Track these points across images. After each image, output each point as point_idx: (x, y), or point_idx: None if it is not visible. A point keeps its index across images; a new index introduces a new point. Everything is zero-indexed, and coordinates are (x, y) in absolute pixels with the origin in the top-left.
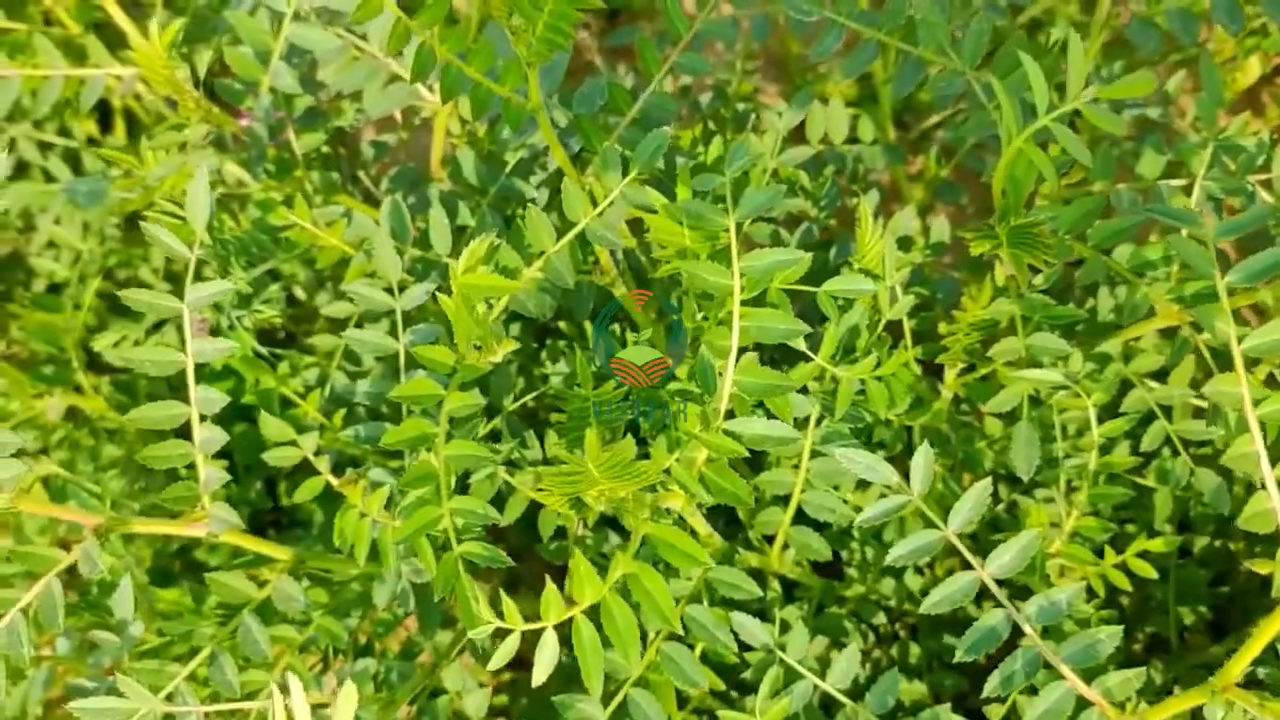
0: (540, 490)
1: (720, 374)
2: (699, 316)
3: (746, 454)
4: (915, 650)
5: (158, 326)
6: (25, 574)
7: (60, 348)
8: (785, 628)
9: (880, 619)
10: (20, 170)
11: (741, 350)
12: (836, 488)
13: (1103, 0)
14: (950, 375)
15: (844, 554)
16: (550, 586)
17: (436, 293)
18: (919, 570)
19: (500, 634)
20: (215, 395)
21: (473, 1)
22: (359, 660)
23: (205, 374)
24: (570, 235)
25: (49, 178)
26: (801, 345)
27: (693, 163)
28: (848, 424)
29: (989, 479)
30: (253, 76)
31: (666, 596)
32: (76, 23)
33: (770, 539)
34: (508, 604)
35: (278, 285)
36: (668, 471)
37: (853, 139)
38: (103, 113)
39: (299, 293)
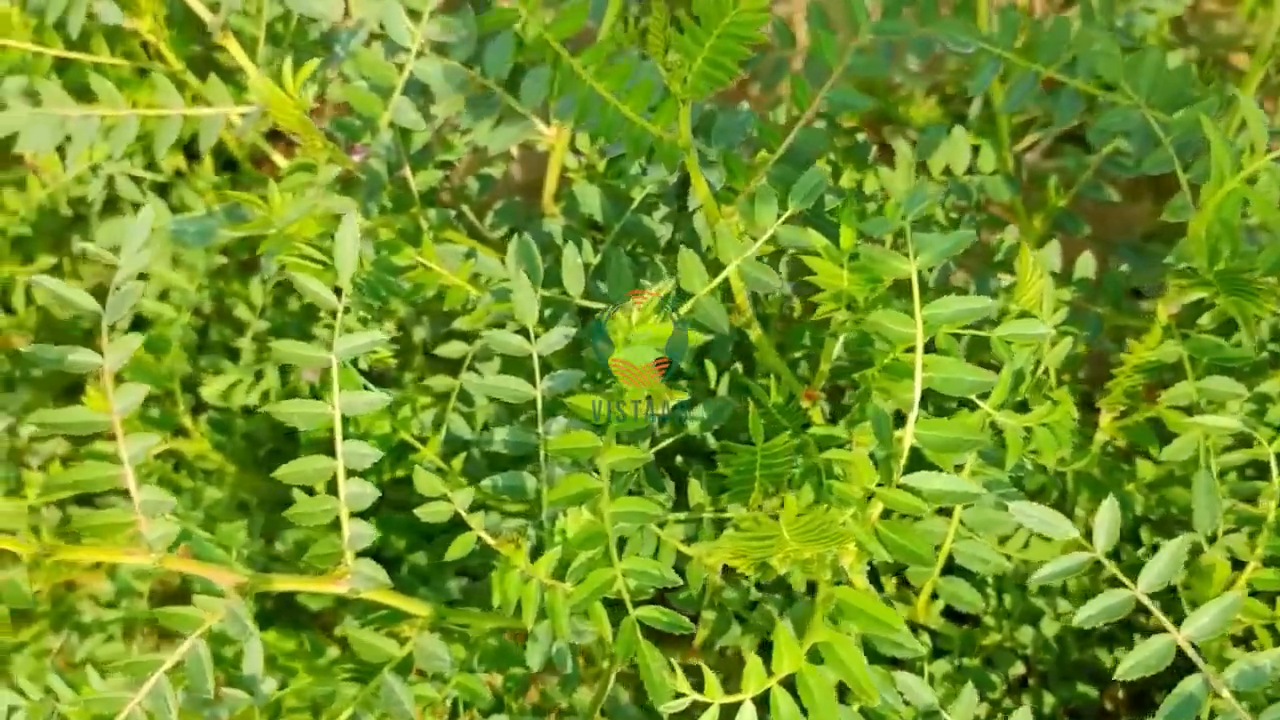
0: (722, 550)
1: (896, 426)
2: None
3: (927, 510)
4: (1049, 699)
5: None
6: (122, 621)
7: (161, 387)
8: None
9: (1018, 669)
10: (108, 204)
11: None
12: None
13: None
14: (1107, 418)
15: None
16: (754, 658)
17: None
18: (1057, 616)
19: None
20: (366, 450)
21: (614, 36)
22: (491, 718)
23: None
24: (722, 277)
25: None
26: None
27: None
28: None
29: (1185, 537)
30: (373, 112)
31: (862, 666)
32: (177, 58)
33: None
34: (708, 675)
35: (390, 323)
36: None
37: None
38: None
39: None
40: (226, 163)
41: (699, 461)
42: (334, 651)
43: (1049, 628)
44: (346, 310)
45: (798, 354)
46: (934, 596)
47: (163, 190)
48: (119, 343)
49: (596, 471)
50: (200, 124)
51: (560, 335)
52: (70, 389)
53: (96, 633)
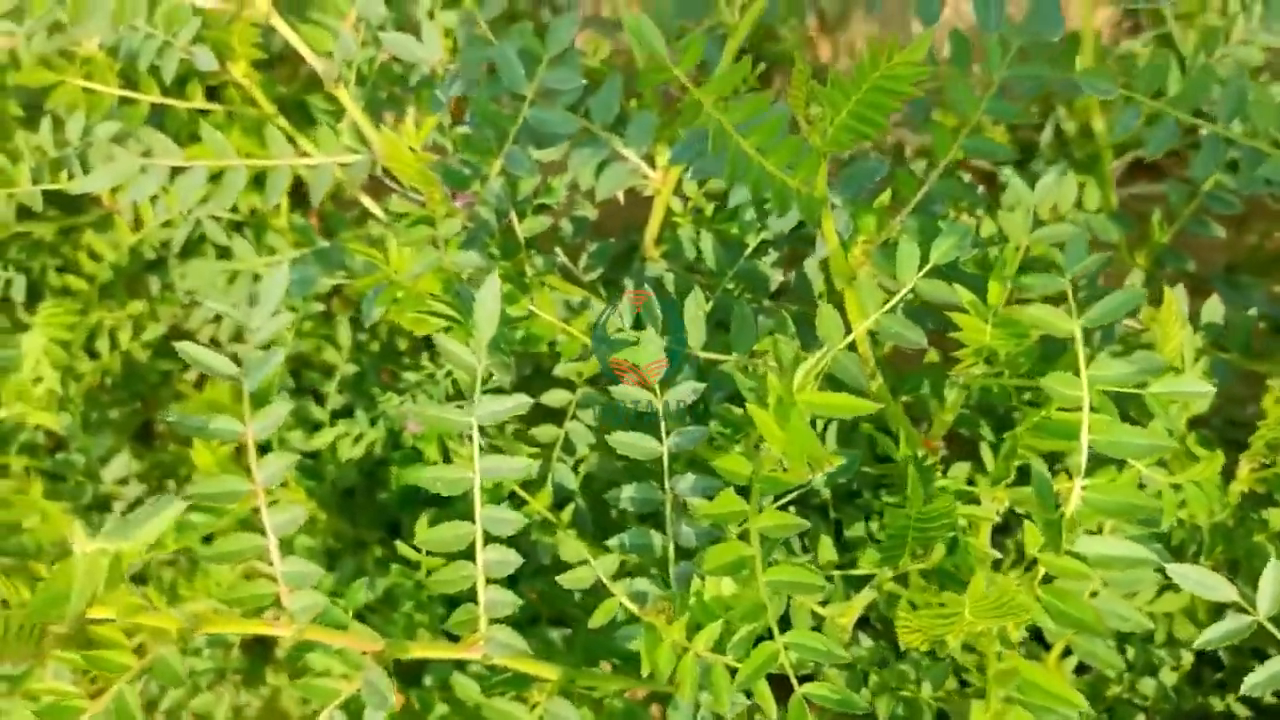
0: (906, 628)
1: (1061, 490)
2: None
3: (1094, 577)
4: None
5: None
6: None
7: None
8: None
9: None
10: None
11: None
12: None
13: None
14: (1245, 469)
15: None
16: None
17: (750, 407)
18: (1174, 667)
19: None
20: (509, 516)
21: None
22: None
23: (399, 458)
24: (860, 329)
25: (221, 252)
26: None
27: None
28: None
29: None
30: (486, 160)
31: None
32: (269, 103)
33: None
34: None
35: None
36: None
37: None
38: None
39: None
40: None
41: (813, 514)
42: (442, 708)
43: (1168, 677)
44: (489, 376)
45: (904, 399)
46: (1065, 653)
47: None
48: (264, 412)
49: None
50: (311, 174)
51: (689, 390)
52: (142, 432)
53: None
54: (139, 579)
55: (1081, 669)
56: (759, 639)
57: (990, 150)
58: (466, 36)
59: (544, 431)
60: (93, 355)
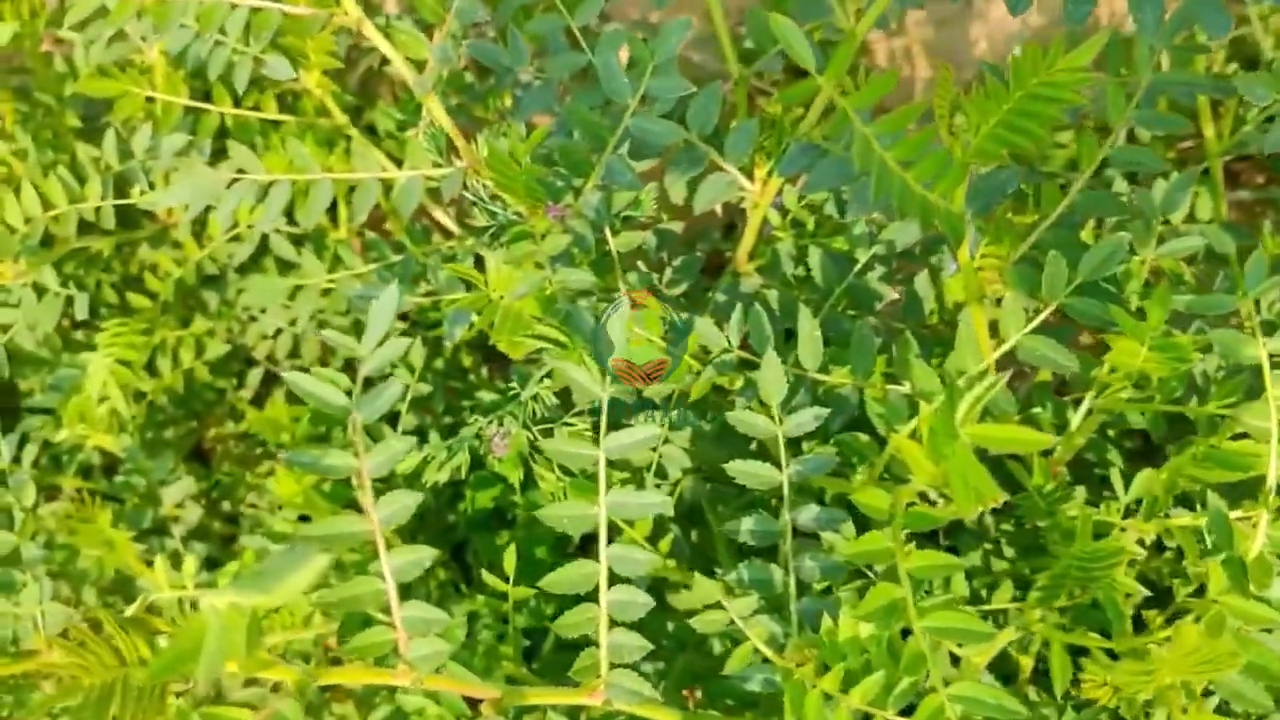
0: (1092, 684)
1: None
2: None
3: None
4: None
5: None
6: None
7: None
8: None
9: None
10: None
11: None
12: None
13: None
14: None
15: None
16: None
17: (900, 440)
18: None
19: None
20: (639, 556)
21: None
22: None
23: (476, 480)
24: (999, 353)
25: (283, 265)
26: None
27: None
28: None
29: None
30: (584, 171)
31: None
32: (341, 113)
33: None
34: None
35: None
36: None
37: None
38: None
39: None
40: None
41: (926, 542)
42: None
43: None
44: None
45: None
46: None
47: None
48: (380, 449)
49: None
50: (398, 187)
51: (811, 417)
52: (197, 452)
53: None
54: None
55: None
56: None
57: (1143, 161)
58: (554, 43)
59: (639, 456)
60: (152, 373)
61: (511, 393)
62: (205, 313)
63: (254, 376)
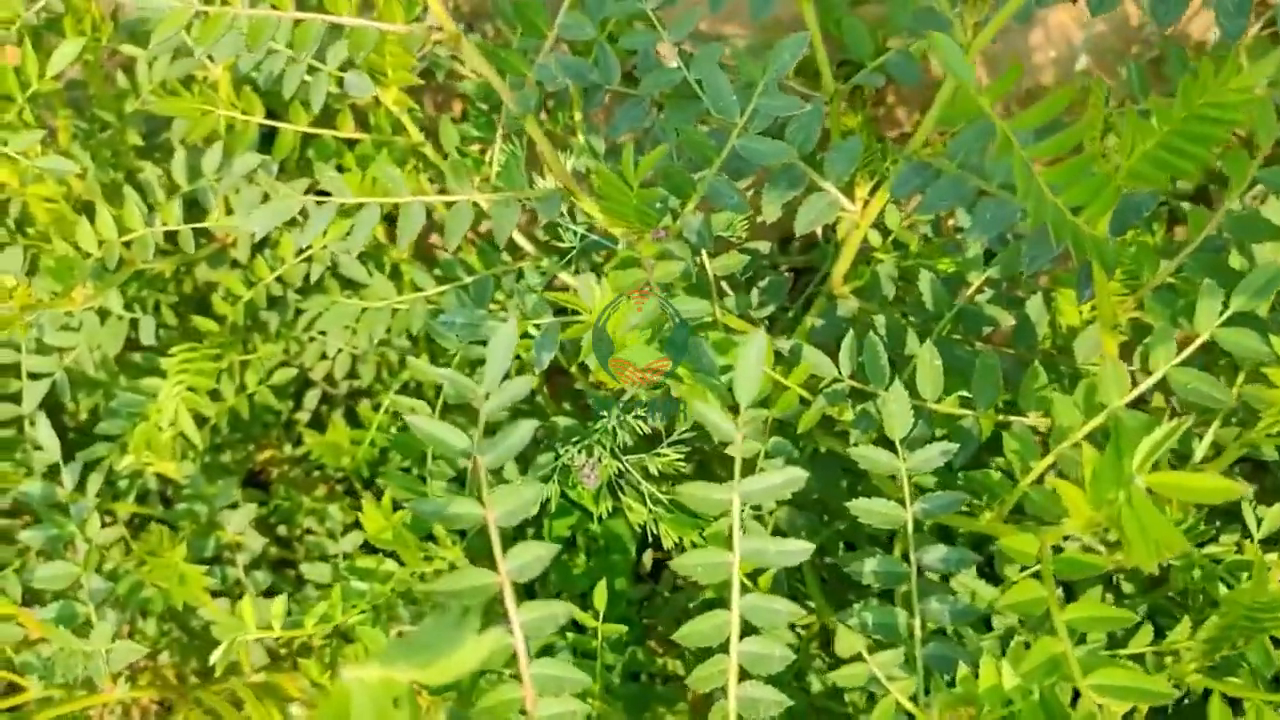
0: None
1: None
2: None
3: None
4: None
5: None
6: None
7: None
8: None
9: None
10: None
11: None
12: None
13: None
14: None
15: None
16: None
17: (1057, 482)
18: None
19: None
20: (779, 606)
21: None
22: None
23: (555, 509)
24: (1146, 385)
25: (346, 284)
26: None
27: None
28: None
29: None
30: (686, 192)
31: None
32: (417, 131)
33: None
34: None
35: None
36: None
37: None
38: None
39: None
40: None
41: None
42: None
43: None
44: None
45: None
46: None
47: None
48: (505, 494)
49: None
50: (495, 211)
51: (938, 452)
52: (253, 479)
53: None
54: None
55: None
56: None
57: None
58: (646, 59)
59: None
60: (214, 397)
61: (599, 421)
62: (264, 334)
63: (311, 398)
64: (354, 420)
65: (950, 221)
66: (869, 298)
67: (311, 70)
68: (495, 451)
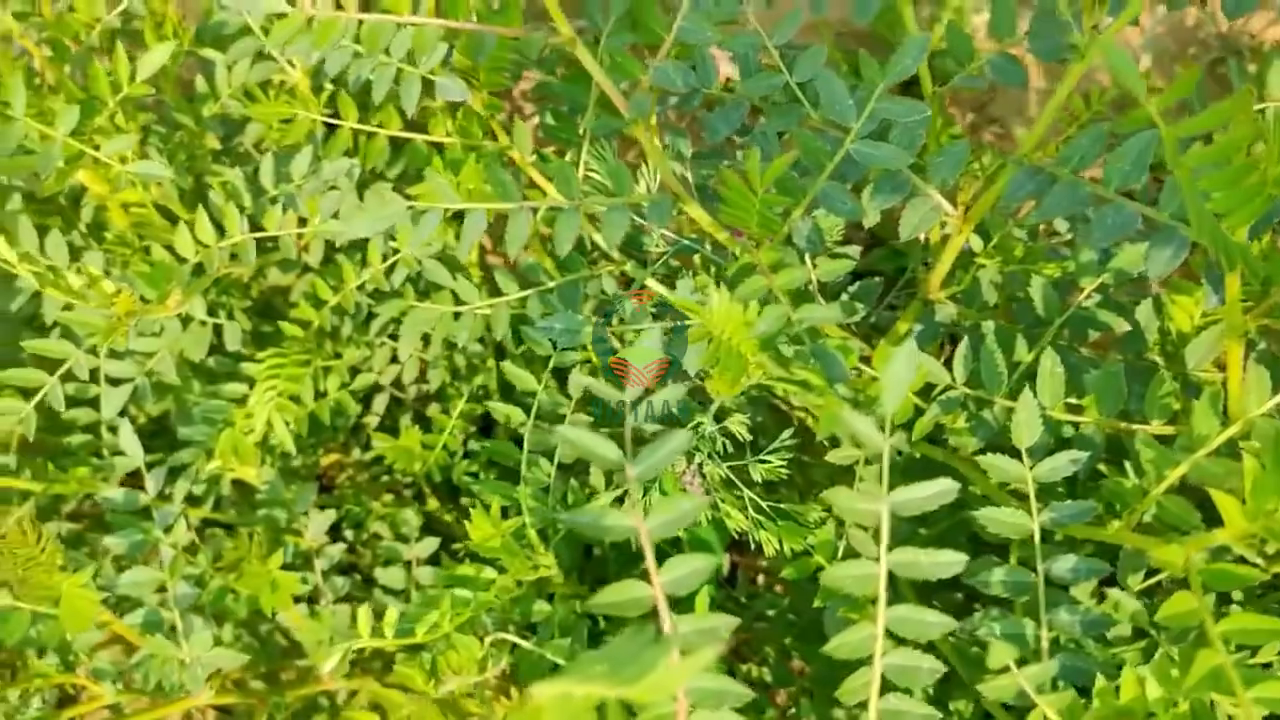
0: None
1: None
2: None
3: None
4: None
5: None
6: None
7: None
8: None
9: None
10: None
11: None
12: None
13: None
14: None
15: None
16: None
17: (1221, 495)
18: None
19: None
20: (930, 618)
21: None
22: None
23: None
24: None
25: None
26: None
27: None
28: None
29: None
30: (797, 198)
31: None
32: (505, 135)
33: None
34: None
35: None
36: None
37: None
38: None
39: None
40: None
41: None
42: None
43: None
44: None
45: None
46: None
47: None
48: (662, 505)
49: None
50: (607, 217)
51: (1067, 460)
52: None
53: None
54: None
55: None
56: None
57: None
58: (747, 62)
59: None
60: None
61: (699, 427)
62: (336, 339)
63: (380, 403)
64: (422, 425)
65: (1041, 226)
66: (967, 303)
67: (401, 74)
68: (647, 463)
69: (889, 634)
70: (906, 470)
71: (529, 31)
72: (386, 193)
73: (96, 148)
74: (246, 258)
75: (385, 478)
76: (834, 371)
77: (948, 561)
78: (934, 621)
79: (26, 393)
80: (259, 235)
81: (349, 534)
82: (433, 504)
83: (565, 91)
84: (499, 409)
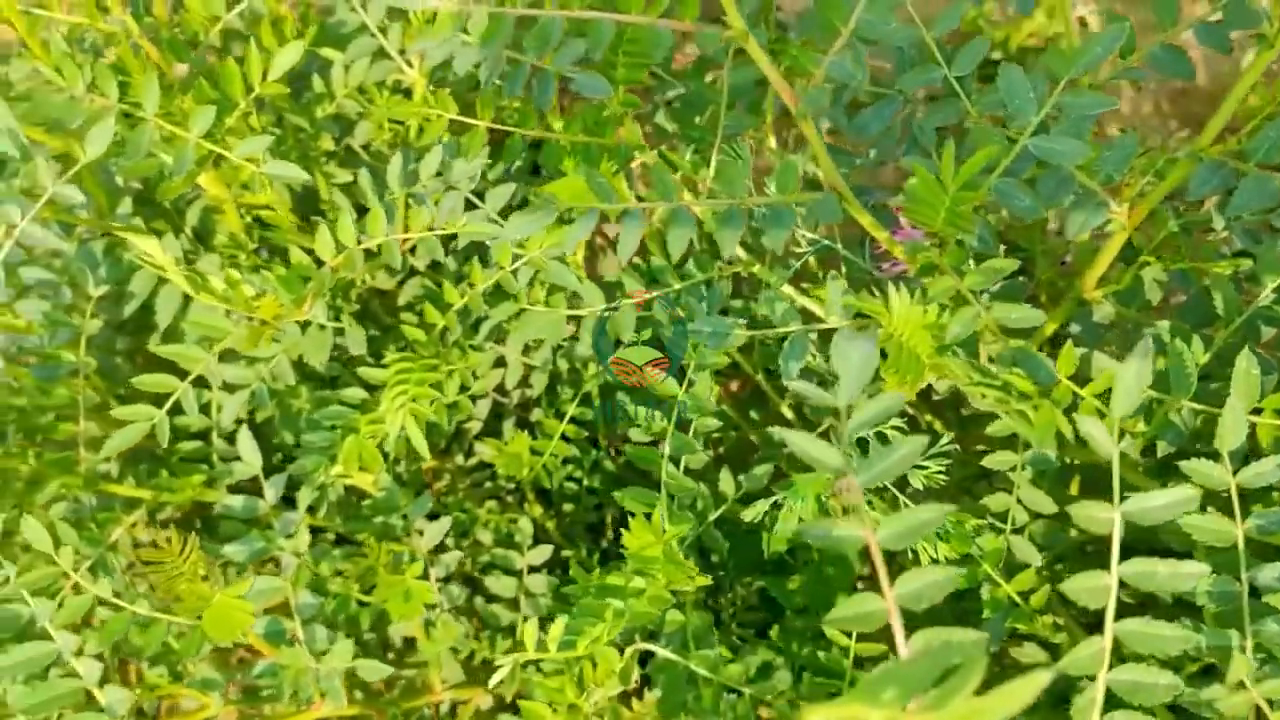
0: None
1: None
2: None
3: None
4: None
5: None
6: None
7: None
8: None
9: None
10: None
11: None
12: None
13: None
14: None
15: None
16: None
17: None
18: None
19: None
20: (1168, 632)
21: None
22: None
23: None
24: None
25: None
26: None
27: None
28: None
29: None
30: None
31: None
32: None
33: None
34: None
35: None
36: None
37: None
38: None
39: None
40: None
41: None
42: None
43: None
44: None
45: None
46: None
47: None
48: (899, 519)
49: None
50: (769, 218)
51: (1274, 465)
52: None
53: None
54: None
55: None
56: None
57: None
58: (905, 55)
59: (995, 499)
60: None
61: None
62: (441, 342)
63: (483, 407)
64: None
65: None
66: (1127, 302)
67: (539, 72)
68: (873, 471)
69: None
70: (1061, 477)
71: (702, 26)
72: (544, 195)
73: (229, 149)
74: (391, 259)
75: (489, 484)
76: (1040, 374)
77: (1189, 573)
78: (1171, 635)
79: (157, 399)
80: (404, 237)
81: (449, 540)
82: (536, 510)
83: (696, 90)
84: (640, 414)
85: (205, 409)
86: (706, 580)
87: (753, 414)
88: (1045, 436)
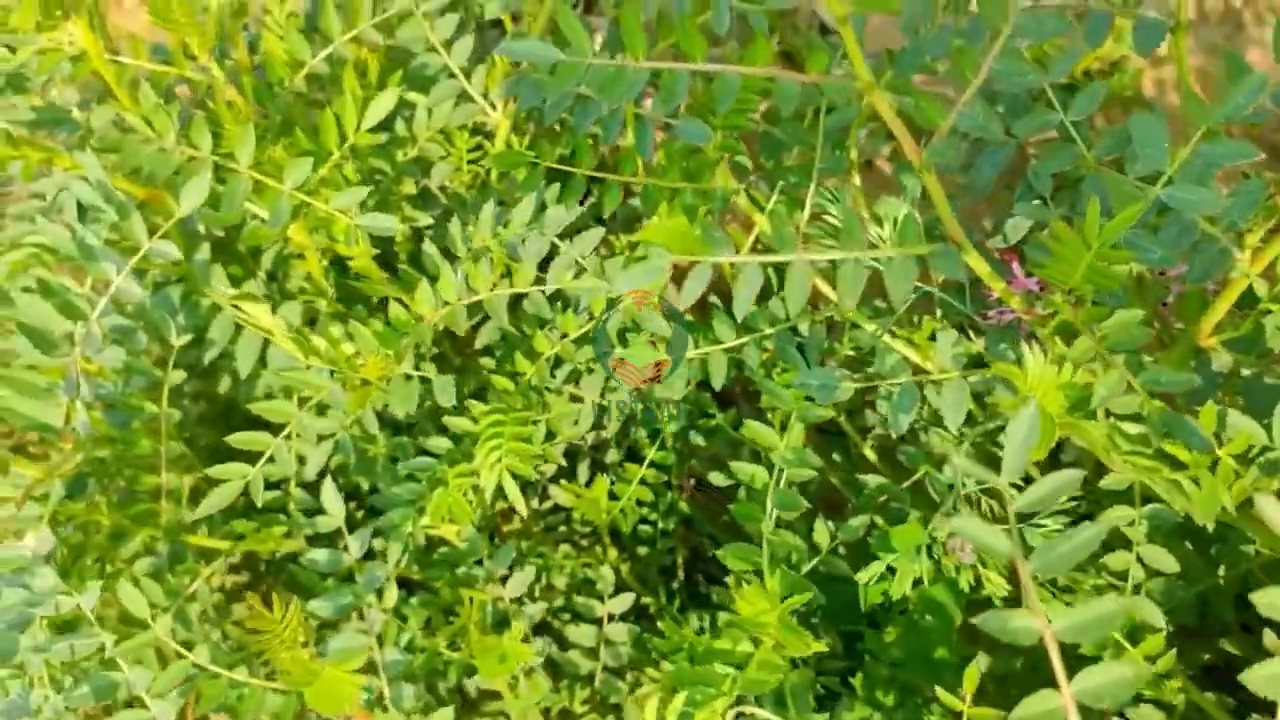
0: None
1: None
2: None
3: None
4: None
5: None
6: None
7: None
8: None
9: None
10: None
11: None
12: None
13: None
14: None
15: None
16: None
17: None
18: None
19: None
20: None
21: None
22: None
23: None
24: None
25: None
26: None
27: None
28: None
29: None
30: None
31: None
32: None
33: None
34: None
35: None
36: None
37: None
38: None
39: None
40: None
41: None
42: None
43: None
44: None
45: None
46: None
47: None
48: (1073, 611)
49: None
50: (893, 269)
51: None
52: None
53: None
54: None
55: None
56: None
57: None
58: (1015, 100)
59: (1115, 558)
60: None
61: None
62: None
63: (555, 452)
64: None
65: None
66: (1244, 350)
67: (636, 118)
68: (1048, 559)
69: None
70: (1187, 534)
71: (828, 78)
72: (654, 246)
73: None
74: (498, 317)
75: (563, 527)
76: (1195, 442)
77: None
78: None
79: (249, 455)
80: (511, 292)
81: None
82: (611, 553)
83: (788, 133)
84: (743, 470)
85: None
86: (822, 646)
87: (835, 456)
88: (1209, 511)
